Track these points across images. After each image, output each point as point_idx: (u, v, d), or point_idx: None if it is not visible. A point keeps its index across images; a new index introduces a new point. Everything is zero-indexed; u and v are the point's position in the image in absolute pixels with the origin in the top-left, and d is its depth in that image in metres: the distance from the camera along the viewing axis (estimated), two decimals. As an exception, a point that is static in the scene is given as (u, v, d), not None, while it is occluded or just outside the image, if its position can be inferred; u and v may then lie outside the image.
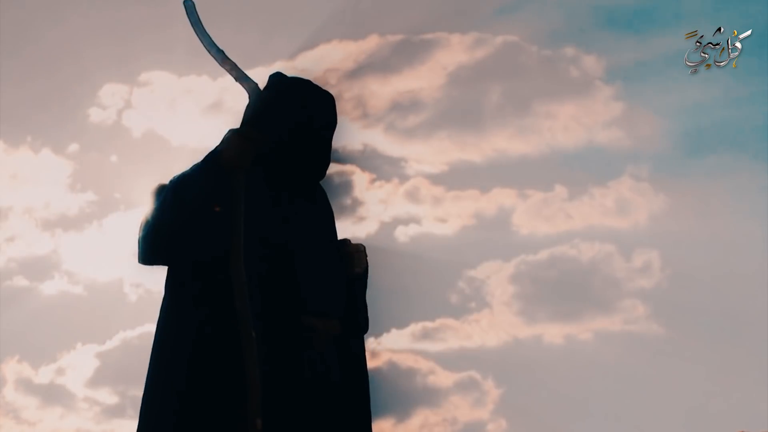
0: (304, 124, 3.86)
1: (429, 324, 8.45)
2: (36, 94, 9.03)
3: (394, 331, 8.00)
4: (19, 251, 9.01)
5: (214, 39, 4.03)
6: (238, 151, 3.70)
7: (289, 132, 3.85)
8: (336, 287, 3.84)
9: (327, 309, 3.79)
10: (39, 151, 9.00)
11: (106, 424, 8.60)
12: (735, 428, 7.78)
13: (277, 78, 3.94)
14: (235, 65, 3.96)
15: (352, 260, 3.94)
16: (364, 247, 3.97)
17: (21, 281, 8.96)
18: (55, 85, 9.00)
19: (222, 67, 3.98)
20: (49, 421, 8.68)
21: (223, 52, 3.98)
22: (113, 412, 8.65)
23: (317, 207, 3.93)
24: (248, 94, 3.93)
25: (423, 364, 8.31)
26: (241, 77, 3.95)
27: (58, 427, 8.65)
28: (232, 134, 3.73)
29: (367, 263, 3.97)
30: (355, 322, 3.91)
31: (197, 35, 4.04)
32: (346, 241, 3.97)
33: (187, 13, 4.07)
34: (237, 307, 3.62)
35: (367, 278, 3.98)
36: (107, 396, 8.69)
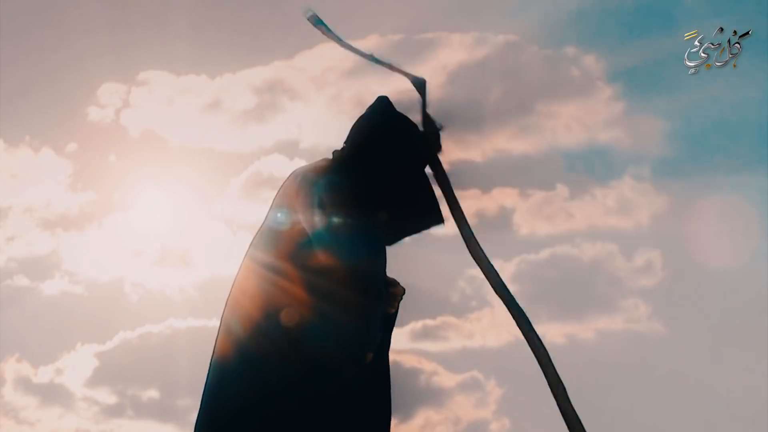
0: (401, 162, 3.96)
1: (430, 322, 8.45)
2: (35, 93, 9.04)
3: (393, 329, 8.00)
4: (20, 251, 9.02)
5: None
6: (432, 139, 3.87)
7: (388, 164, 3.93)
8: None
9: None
10: (39, 150, 9.00)
11: (105, 423, 8.60)
12: (736, 427, 7.78)
13: (386, 109, 3.94)
14: (391, 64, 3.95)
15: (389, 300, 3.91)
16: (404, 291, 3.95)
17: (21, 281, 8.98)
18: (53, 85, 9.01)
19: (381, 66, 3.95)
20: (48, 420, 8.68)
21: (372, 55, 3.94)
22: (112, 411, 8.65)
23: None
24: (416, 88, 3.94)
25: (426, 365, 8.31)
26: (404, 73, 3.94)
27: (57, 426, 8.65)
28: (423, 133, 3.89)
29: (398, 307, 3.95)
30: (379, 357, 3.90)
31: (337, 43, 3.96)
32: (390, 280, 3.94)
33: (322, 28, 4.01)
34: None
35: (395, 319, 3.95)
36: (106, 396, 8.69)
